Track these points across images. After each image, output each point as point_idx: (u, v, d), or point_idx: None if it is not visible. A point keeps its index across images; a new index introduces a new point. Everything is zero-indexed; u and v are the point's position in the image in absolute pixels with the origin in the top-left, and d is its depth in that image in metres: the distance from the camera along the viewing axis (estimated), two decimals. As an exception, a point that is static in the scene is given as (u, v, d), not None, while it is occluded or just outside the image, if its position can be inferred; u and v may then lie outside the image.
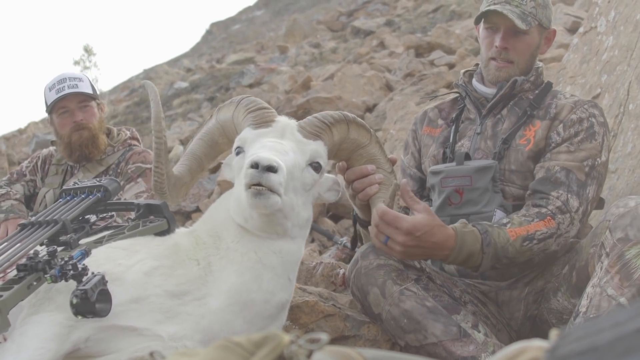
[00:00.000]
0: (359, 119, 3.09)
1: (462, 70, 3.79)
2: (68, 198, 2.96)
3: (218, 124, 3.05)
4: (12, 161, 16.59)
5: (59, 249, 2.45)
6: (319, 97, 12.02)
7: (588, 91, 5.00)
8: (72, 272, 2.31)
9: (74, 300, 2.26)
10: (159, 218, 2.89)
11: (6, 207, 4.77)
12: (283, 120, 2.89)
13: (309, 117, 2.96)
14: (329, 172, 3.05)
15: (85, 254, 2.44)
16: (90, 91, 4.88)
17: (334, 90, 13.03)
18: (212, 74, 26.27)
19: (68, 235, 2.59)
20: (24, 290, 2.23)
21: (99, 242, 2.59)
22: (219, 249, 2.82)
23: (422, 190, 3.79)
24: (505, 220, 3.08)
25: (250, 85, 20.74)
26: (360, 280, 3.05)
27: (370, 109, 11.85)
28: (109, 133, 5.08)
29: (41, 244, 2.53)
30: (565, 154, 3.22)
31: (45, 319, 2.43)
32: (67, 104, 4.81)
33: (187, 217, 10.27)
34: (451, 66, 12.38)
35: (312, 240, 6.76)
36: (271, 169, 2.50)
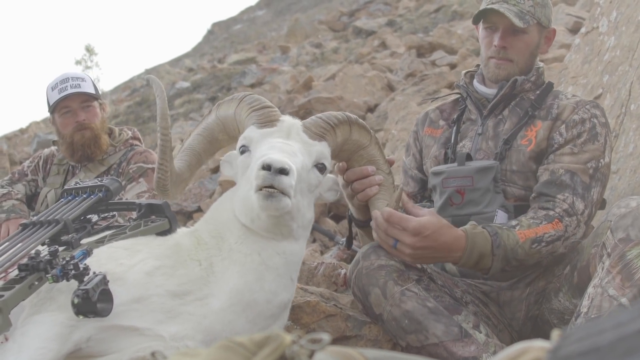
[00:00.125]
0: (361, 120, 3.11)
1: (463, 71, 3.79)
2: (69, 198, 2.96)
3: (218, 120, 3.04)
4: (14, 161, 16.59)
5: (61, 248, 2.45)
6: (321, 97, 12.02)
7: (590, 91, 5.00)
8: (73, 271, 2.31)
9: (76, 300, 2.26)
10: (161, 218, 2.89)
11: (7, 206, 4.78)
12: (288, 119, 2.90)
13: (313, 118, 2.97)
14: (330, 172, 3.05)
15: (87, 253, 2.44)
16: (92, 91, 4.88)
17: (336, 90, 13.03)
18: (214, 73, 26.26)
19: (69, 235, 2.59)
20: (26, 290, 2.23)
21: (100, 242, 2.59)
22: (221, 250, 2.82)
23: (423, 192, 3.80)
24: (513, 223, 3.08)
25: (252, 85, 20.73)
26: (362, 281, 3.05)
27: (371, 109, 11.85)
28: (110, 133, 5.09)
29: (43, 244, 2.53)
30: (569, 155, 3.22)
31: (46, 318, 2.43)
32: (70, 103, 4.81)
33: (188, 217, 10.27)
34: (453, 66, 12.38)
35: (314, 241, 6.76)
36: (283, 171, 2.51)
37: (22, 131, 26.45)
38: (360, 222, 3.33)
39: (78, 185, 3.04)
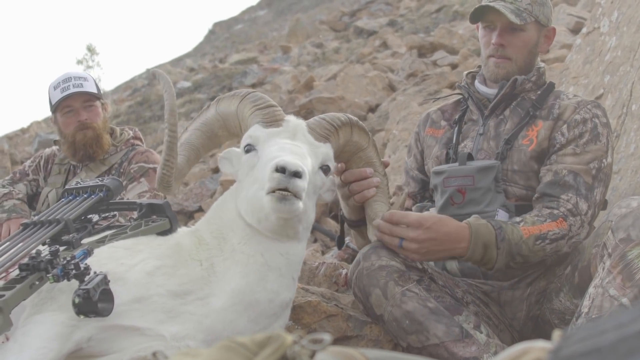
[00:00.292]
0: (360, 122, 3.15)
1: (465, 72, 3.80)
2: (70, 197, 2.96)
3: (218, 115, 3.03)
4: (15, 160, 16.62)
5: (61, 248, 2.45)
6: (322, 97, 12.03)
7: (591, 92, 5.00)
8: (74, 271, 2.31)
9: (76, 300, 2.26)
10: (162, 218, 2.88)
11: (9, 206, 4.78)
12: (293, 120, 2.91)
13: (316, 119, 2.98)
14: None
15: (88, 253, 2.44)
16: (95, 91, 4.89)
17: (337, 90, 13.03)
18: (215, 73, 26.28)
19: (70, 235, 2.59)
20: (26, 289, 2.23)
21: (101, 242, 2.59)
22: (223, 251, 2.82)
23: (424, 192, 3.82)
24: (517, 219, 3.10)
25: (253, 85, 20.74)
26: (362, 282, 3.05)
27: (372, 109, 11.85)
28: (112, 133, 5.09)
29: (43, 244, 2.53)
30: (572, 156, 3.23)
31: (47, 318, 2.43)
32: (72, 103, 4.81)
33: (189, 216, 10.29)
34: (454, 66, 12.37)
35: (315, 241, 6.77)
36: (297, 174, 2.51)
37: (23, 131, 26.47)
38: (353, 222, 3.38)
39: (79, 185, 3.04)
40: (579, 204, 3.12)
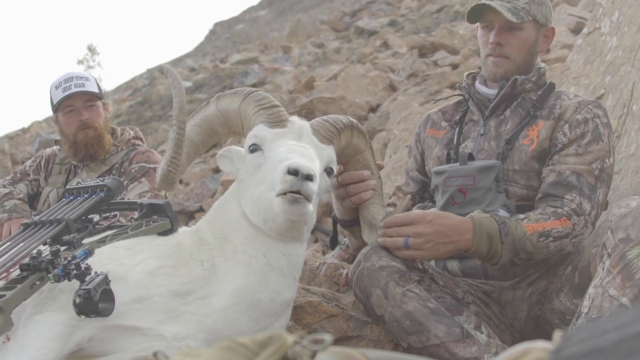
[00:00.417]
0: (360, 125, 3.19)
1: (465, 73, 3.81)
2: (71, 197, 2.96)
3: (219, 112, 3.02)
4: (16, 160, 16.62)
5: (62, 248, 2.45)
6: (323, 97, 12.02)
7: (592, 92, 5.00)
8: (75, 271, 2.31)
9: (77, 300, 2.26)
10: (162, 217, 2.88)
11: (9, 206, 4.78)
12: (297, 120, 2.92)
13: (319, 120, 3.00)
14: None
15: (88, 253, 2.44)
16: (96, 90, 4.90)
17: (338, 90, 13.03)
18: (216, 73, 26.27)
19: (71, 235, 2.59)
20: (27, 289, 2.23)
21: (102, 242, 2.59)
22: (224, 251, 2.82)
23: (423, 193, 3.84)
24: (521, 216, 3.12)
25: (254, 85, 20.70)
26: (363, 282, 3.05)
27: (373, 109, 11.85)
28: (112, 132, 5.09)
29: (44, 244, 2.53)
30: (574, 156, 3.23)
31: (48, 318, 2.43)
32: (74, 102, 4.81)
33: (190, 216, 10.29)
34: (455, 66, 12.37)
35: (316, 241, 6.77)
36: (309, 177, 2.52)
37: (24, 131, 26.46)
38: (345, 222, 3.42)
39: (80, 185, 3.04)
40: (583, 204, 3.13)
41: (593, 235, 3.03)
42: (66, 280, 2.30)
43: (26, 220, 2.73)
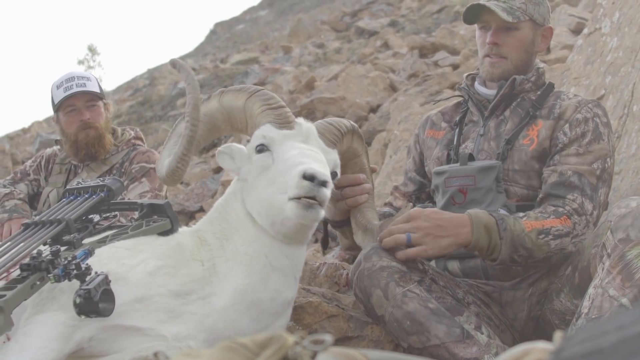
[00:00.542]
0: (359, 129, 3.24)
1: (465, 74, 3.81)
2: (71, 198, 2.96)
3: (222, 108, 3.00)
4: (16, 160, 16.62)
5: (63, 248, 2.46)
6: (323, 97, 12.02)
7: (592, 92, 5.00)
8: (75, 271, 2.32)
9: (77, 300, 2.26)
10: (162, 218, 2.88)
11: (10, 206, 4.78)
12: (304, 123, 2.91)
13: (324, 123, 3.02)
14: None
15: (89, 253, 2.44)
16: (98, 90, 4.90)
17: (338, 90, 13.02)
18: (216, 74, 26.27)
19: (71, 235, 2.59)
20: (27, 289, 2.23)
21: (102, 242, 2.59)
22: (225, 251, 2.81)
23: (420, 193, 3.87)
24: (521, 214, 3.14)
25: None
26: (363, 282, 3.06)
27: (374, 110, 11.83)
28: (113, 133, 5.09)
29: (44, 244, 2.54)
30: (575, 156, 3.24)
31: (48, 318, 2.43)
32: (75, 102, 4.82)
33: (190, 217, 10.29)
34: (455, 67, 12.36)
35: (316, 241, 6.76)
36: (324, 183, 2.53)
37: (24, 131, 26.47)
38: (336, 223, 3.46)
39: (80, 185, 3.04)
40: (585, 204, 3.13)
41: (593, 235, 3.03)
42: (66, 280, 2.30)
43: (26, 221, 2.74)
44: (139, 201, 3.00)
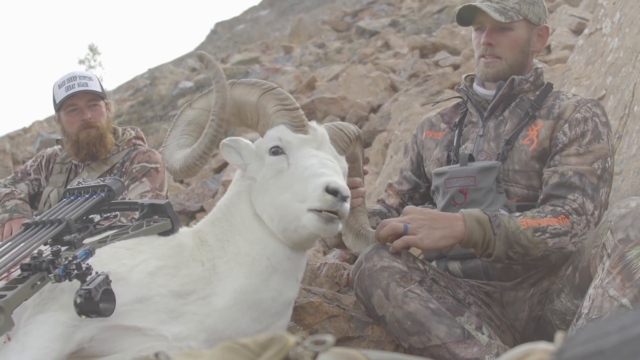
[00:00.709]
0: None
1: (464, 75, 3.82)
2: (72, 198, 2.96)
3: (232, 101, 2.89)
4: (17, 160, 16.60)
5: (63, 248, 2.46)
6: (324, 97, 12.02)
7: (593, 93, 4.99)
8: (76, 271, 2.31)
9: (78, 300, 2.26)
10: (163, 218, 2.88)
11: (10, 206, 4.78)
12: (317, 127, 2.91)
13: (334, 128, 3.05)
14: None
15: (89, 253, 2.44)
16: (99, 90, 4.90)
17: (339, 90, 13.03)
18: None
19: (72, 235, 2.59)
20: (28, 289, 2.23)
21: (102, 242, 2.59)
22: (226, 253, 2.80)
23: (413, 193, 3.91)
24: (517, 214, 3.17)
25: (255, 85, 20.67)
26: (364, 282, 3.06)
27: (374, 110, 11.83)
28: (114, 132, 5.09)
29: (45, 244, 2.53)
30: (575, 156, 3.24)
31: (49, 318, 2.43)
32: (77, 101, 4.82)
33: (191, 217, 10.28)
34: (456, 67, 12.35)
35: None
36: (345, 199, 2.54)
37: (25, 130, 26.44)
38: None
39: (81, 185, 3.04)
40: (586, 204, 3.13)
41: (593, 235, 3.03)
42: (67, 280, 2.30)
43: (27, 220, 2.73)
44: (140, 201, 3.00)
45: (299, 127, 2.81)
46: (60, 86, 4.83)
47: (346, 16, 33.37)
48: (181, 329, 2.61)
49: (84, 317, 2.31)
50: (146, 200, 3.00)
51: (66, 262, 2.31)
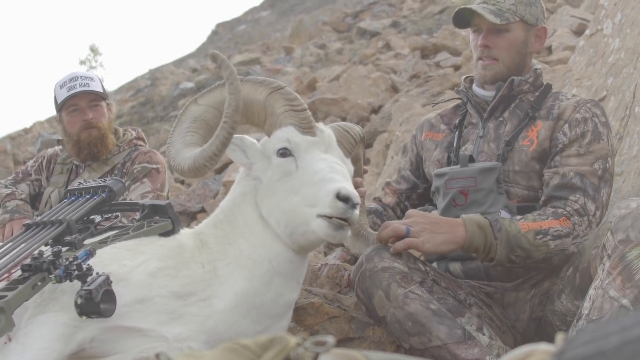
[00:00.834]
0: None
1: (463, 77, 3.82)
2: (73, 198, 2.96)
3: None
4: (18, 160, 16.61)
5: (64, 249, 2.46)
6: (325, 98, 12.01)
7: (594, 93, 4.99)
8: (76, 272, 2.32)
9: (79, 301, 2.26)
10: (164, 218, 2.88)
11: (11, 207, 4.78)
12: (325, 129, 2.90)
13: (340, 130, 3.06)
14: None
15: (90, 254, 2.44)
16: (101, 90, 4.90)
17: (340, 91, 13.02)
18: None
19: (73, 236, 2.59)
20: (29, 290, 2.23)
21: (103, 243, 2.59)
22: (227, 255, 2.80)
23: (410, 192, 3.92)
24: (518, 217, 3.16)
25: (256, 86, 20.65)
26: (365, 283, 3.06)
27: (375, 111, 11.83)
28: (115, 133, 5.09)
29: (46, 244, 2.54)
30: (576, 157, 3.24)
31: (50, 319, 2.43)
32: (78, 102, 4.82)
33: (192, 217, 10.27)
34: (457, 68, 12.35)
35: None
36: (355, 206, 2.54)
37: (25, 131, 26.45)
38: None
39: (81, 186, 3.04)
40: (587, 205, 3.13)
41: (593, 236, 3.03)
42: (68, 281, 2.30)
43: (28, 221, 2.73)
44: (141, 202, 3.00)
45: (307, 129, 2.79)
46: (61, 86, 4.83)
47: (347, 17, 33.36)
48: (182, 330, 2.61)
49: (84, 317, 2.31)
50: (147, 201, 3.00)
51: (67, 262, 2.32)
